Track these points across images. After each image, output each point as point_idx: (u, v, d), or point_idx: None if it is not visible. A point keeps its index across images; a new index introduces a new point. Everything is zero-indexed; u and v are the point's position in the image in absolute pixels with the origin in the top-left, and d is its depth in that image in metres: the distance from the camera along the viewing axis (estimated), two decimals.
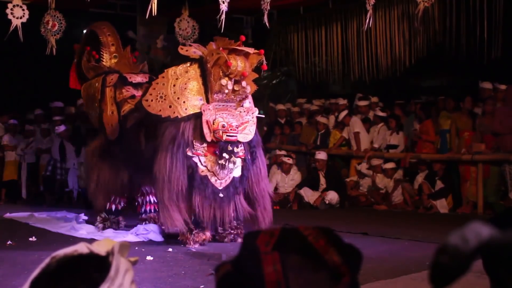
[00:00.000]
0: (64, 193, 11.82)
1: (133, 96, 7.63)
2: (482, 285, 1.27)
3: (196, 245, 6.58)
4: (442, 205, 9.72)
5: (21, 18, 8.17)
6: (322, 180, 10.75)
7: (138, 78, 7.91)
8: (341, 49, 11.63)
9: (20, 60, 14.59)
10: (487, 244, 1.06)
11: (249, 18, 12.69)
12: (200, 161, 6.56)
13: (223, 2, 7.45)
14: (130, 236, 7.26)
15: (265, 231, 1.19)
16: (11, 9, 8.17)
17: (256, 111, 6.87)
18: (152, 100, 6.74)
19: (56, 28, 8.81)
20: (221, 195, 6.58)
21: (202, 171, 6.56)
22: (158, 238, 7.19)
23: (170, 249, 6.45)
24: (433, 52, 10.62)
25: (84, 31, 9.00)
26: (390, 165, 10.60)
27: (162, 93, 6.69)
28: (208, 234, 6.73)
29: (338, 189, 10.64)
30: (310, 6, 11.90)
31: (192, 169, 6.52)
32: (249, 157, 6.82)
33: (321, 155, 10.85)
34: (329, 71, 12.13)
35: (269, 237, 1.15)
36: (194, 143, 6.53)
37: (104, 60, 8.38)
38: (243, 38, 6.64)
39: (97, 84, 7.96)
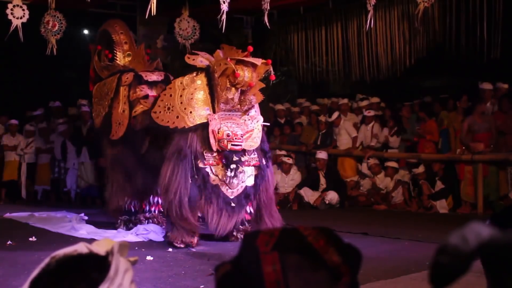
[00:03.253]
0: (63, 193, 11.83)
1: (146, 96, 7.55)
2: (482, 285, 1.27)
3: (182, 245, 6.53)
4: (442, 206, 9.72)
5: (21, 18, 8.17)
6: (322, 180, 10.76)
7: (154, 77, 7.83)
8: (341, 49, 11.62)
9: (20, 60, 14.59)
10: (487, 244, 1.06)
11: (249, 18, 12.68)
12: (211, 170, 6.55)
13: (224, 2, 7.45)
14: (130, 236, 7.26)
15: (265, 231, 1.19)
16: (11, 9, 8.17)
17: (261, 119, 6.88)
18: (160, 112, 6.79)
19: (56, 28, 8.80)
20: (232, 204, 6.56)
21: (214, 180, 6.54)
22: (158, 238, 7.19)
23: (170, 249, 6.46)
24: (433, 52, 10.61)
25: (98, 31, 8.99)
26: (392, 164, 10.60)
27: (170, 104, 6.72)
28: (195, 238, 6.65)
29: (338, 189, 10.64)
30: (310, 6, 11.89)
31: (203, 179, 6.50)
32: (264, 164, 6.82)
33: (322, 155, 10.86)
34: (329, 71, 12.12)
35: (269, 237, 1.15)
36: (205, 154, 6.52)
37: (117, 58, 8.33)
38: (250, 48, 6.65)
39: (112, 83, 7.90)
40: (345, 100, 11.81)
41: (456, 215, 9.44)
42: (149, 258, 5.90)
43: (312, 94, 13.18)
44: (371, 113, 11.15)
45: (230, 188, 6.59)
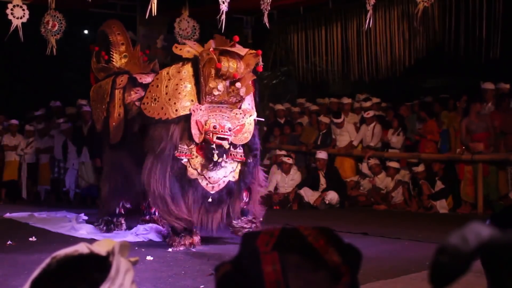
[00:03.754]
0: (63, 193, 11.83)
1: (141, 98, 7.51)
2: (482, 285, 1.27)
3: (182, 248, 6.45)
4: (442, 206, 9.72)
5: (21, 18, 8.17)
6: (322, 180, 10.76)
7: (148, 79, 7.65)
8: (341, 49, 11.63)
9: (20, 60, 14.60)
10: (487, 244, 1.06)
11: (249, 18, 12.68)
12: (190, 164, 6.39)
13: (223, 2, 7.45)
14: (130, 236, 7.25)
15: (265, 231, 1.19)
16: (11, 9, 8.17)
17: (254, 114, 6.67)
18: (148, 103, 6.66)
19: (56, 28, 8.80)
20: (210, 200, 6.41)
21: (192, 174, 6.38)
22: (158, 238, 7.19)
23: (170, 249, 6.45)
24: (433, 52, 10.62)
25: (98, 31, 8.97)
26: (393, 164, 10.60)
27: (156, 95, 6.58)
28: (196, 238, 6.57)
29: (338, 189, 10.64)
30: (310, 6, 11.90)
31: (181, 171, 6.36)
32: (251, 160, 6.62)
33: (322, 154, 10.87)
34: (329, 71, 12.13)
35: (269, 237, 1.15)
36: (180, 145, 6.34)
37: (114, 60, 8.26)
38: (236, 38, 6.46)
39: (107, 86, 7.86)
40: (349, 100, 11.81)
41: (456, 215, 9.44)
42: (149, 258, 5.90)
43: (312, 94, 13.19)
44: (370, 114, 11.14)
45: (211, 183, 6.41)
